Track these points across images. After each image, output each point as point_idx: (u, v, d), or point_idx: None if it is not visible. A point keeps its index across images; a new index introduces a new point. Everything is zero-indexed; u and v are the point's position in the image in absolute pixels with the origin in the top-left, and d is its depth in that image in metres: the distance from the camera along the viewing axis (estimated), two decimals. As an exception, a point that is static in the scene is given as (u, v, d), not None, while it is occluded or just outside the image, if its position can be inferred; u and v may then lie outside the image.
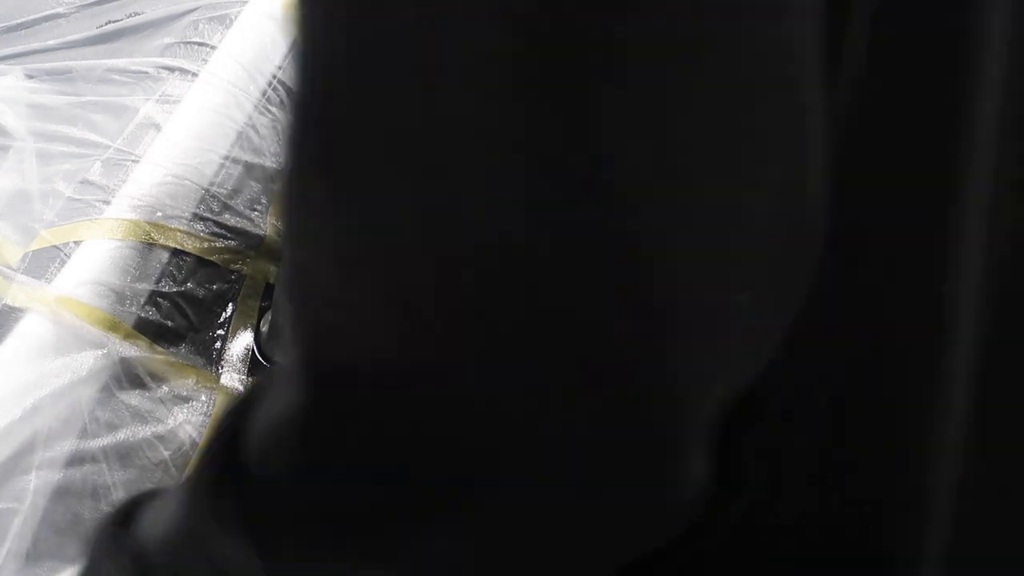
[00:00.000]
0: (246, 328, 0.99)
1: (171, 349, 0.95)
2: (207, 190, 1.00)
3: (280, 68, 1.09)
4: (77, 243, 0.95)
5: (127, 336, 0.93)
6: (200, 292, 0.97)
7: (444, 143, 0.31)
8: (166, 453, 0.93)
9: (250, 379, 0.98)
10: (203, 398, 0.95)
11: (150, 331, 0.94)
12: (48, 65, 1.10)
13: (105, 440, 0.91)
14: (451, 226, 0.31)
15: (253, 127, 1.04)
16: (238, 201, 1.02)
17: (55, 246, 0.96)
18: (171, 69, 1.05)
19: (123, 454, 0.91)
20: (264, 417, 0.37)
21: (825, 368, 0.38)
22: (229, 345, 0.98)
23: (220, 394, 0.95)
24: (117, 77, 1.02)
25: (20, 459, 0.88)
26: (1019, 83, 0.37)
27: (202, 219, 0.99)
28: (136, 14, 1.12)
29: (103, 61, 1.03)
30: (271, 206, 1.04)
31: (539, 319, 0.32)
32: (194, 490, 0.39)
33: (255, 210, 1.02)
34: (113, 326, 0.93)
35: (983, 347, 0.39)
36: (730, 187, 0.32)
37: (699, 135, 0.31)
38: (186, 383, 0.94)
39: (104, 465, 0.90)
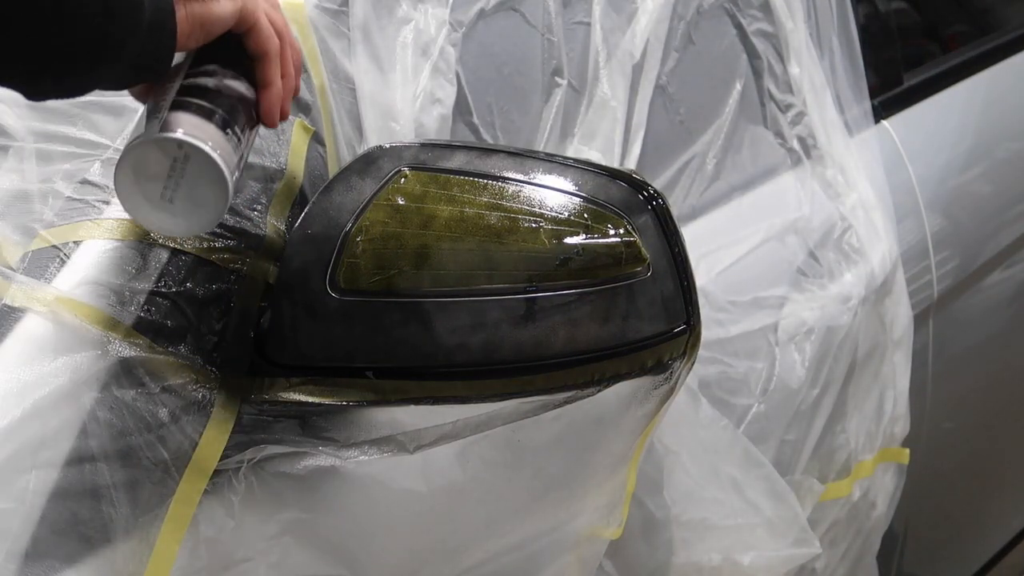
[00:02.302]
0: (246, 328, 0.99)
1: (171, 349, 0.95)
2: (206, 190, 1.00)
3: (280, 68, 1.08)
4: (77, 243, 0.96)
5: (127, 336, 0.93)
6: (200, 292, 0.97)
7: None
8: (166, 453, 0.93)
9: (249, 379, 0.98)
10: (203, 398, 0.95)
11: (150, 331, 0.94)
12: (48, 65, 1.10)
13: (105, 440, 0.91)
14: None
15: (253, 127, 1.04)
16: (237, 201, 1.02)
17: (55, 246, 0.96)
18: (171, 69, 1.05)
19: (123, 454, 0.91)
20: None
21: None
22: (229, 345, 0.98)
23: (220, 394, 0.95)
24: (117, 77, 1.02)
25: (20, 459, 0.88)
26: None
27: (202, 219, 0.99)
28: (136, 14, 1.11)
29: (103, 61, 1.03)
30: (271, 206, 1.04)
31: None
32: None
33: (255, 210, 1.02)
34: (113, 326, 0.93)
35: None
36: None
37: None
38: (186, 383, 0.94)
39: (104, 465, 0.90)
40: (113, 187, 0.87)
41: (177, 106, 0.89)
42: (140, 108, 1.02)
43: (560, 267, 0.97)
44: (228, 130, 0.90)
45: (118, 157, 0.87)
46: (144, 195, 0.87)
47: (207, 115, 0.89)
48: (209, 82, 0.92)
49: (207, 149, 0.86)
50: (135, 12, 0.83)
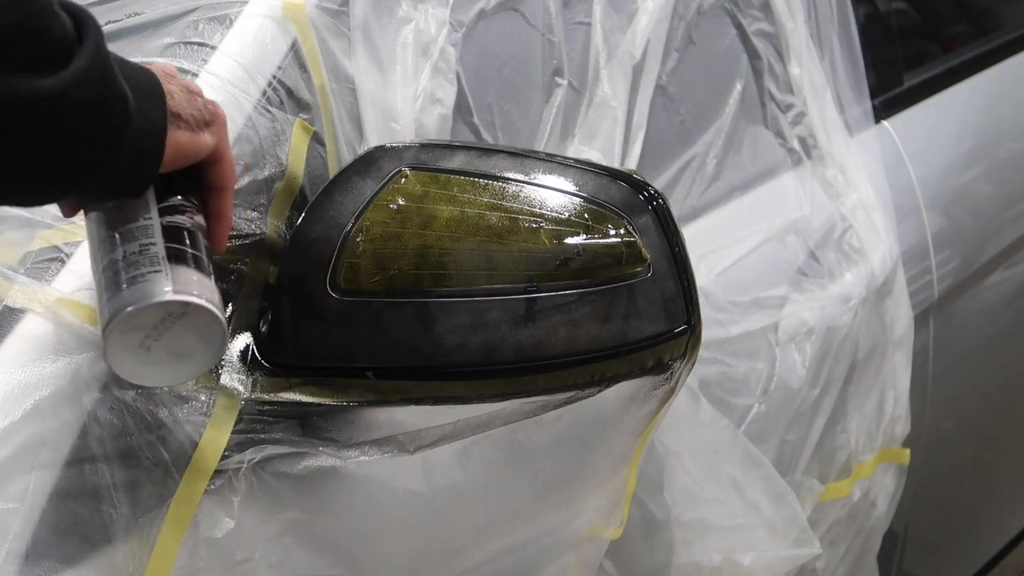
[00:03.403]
0: (246, 328, 0.99)
1: (171, 349, 0.95)
2: (207, 190, 1.00)
3: (280, 68, 1.09)
4: (77, 243, 0.95)
5: (127, 336, 0.93)
6: (200, 292, 0.97)
7: None
8: (166, 454, 0.93)
9: (249, 379, 0.98)
10: (203, 398, 0.95)
11: (150, 331, 0.94)
12: (48, 65, 1.09)
13: (105, 440, 0.90)
14: None
15: (253, 128, 1.04)
16: (237, 202, 1.02)
17: (55, 246, 0.96)
18: (171, 69, 1.05)
19: (123, 454, 0.91)
20: None
21: None
22: (229, 345, 0.98)
23: (220, 394, 0.95)
24: (117, 77, 1.02)
25: (20, 459, 0.88)
26: None
27: (202, 219, 0.99)
28: (136, 14, 1.11)
29: (103, 61, 1.03)
30: (271, 206, 1.04)
31: None
32: None
33: (255, 210, 1.02)
34: (113, 326, 0.92)
35: None
36: None
37: None
38: (186, 383, 0.94)
39: (104, 465, 0.90)
40: (104, 322, 0.83)
41: (175, 258, 0.85)
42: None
43: (561, 267, 0.97)
44: (212, 276, 0.87)
45: (115, 309, 0.82)
46: (124, 344, 0.83)
47: (201, 267, 0.86)
48: (185, 221, 0.88)
49: (216, 312, 0.84)
50: (121, 131, 0.78)
